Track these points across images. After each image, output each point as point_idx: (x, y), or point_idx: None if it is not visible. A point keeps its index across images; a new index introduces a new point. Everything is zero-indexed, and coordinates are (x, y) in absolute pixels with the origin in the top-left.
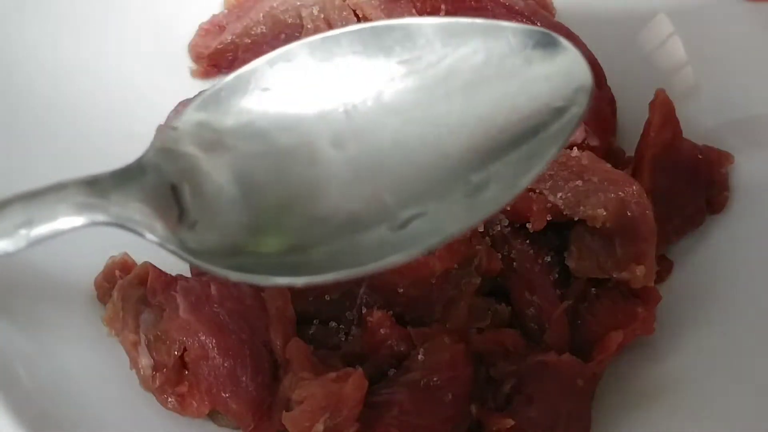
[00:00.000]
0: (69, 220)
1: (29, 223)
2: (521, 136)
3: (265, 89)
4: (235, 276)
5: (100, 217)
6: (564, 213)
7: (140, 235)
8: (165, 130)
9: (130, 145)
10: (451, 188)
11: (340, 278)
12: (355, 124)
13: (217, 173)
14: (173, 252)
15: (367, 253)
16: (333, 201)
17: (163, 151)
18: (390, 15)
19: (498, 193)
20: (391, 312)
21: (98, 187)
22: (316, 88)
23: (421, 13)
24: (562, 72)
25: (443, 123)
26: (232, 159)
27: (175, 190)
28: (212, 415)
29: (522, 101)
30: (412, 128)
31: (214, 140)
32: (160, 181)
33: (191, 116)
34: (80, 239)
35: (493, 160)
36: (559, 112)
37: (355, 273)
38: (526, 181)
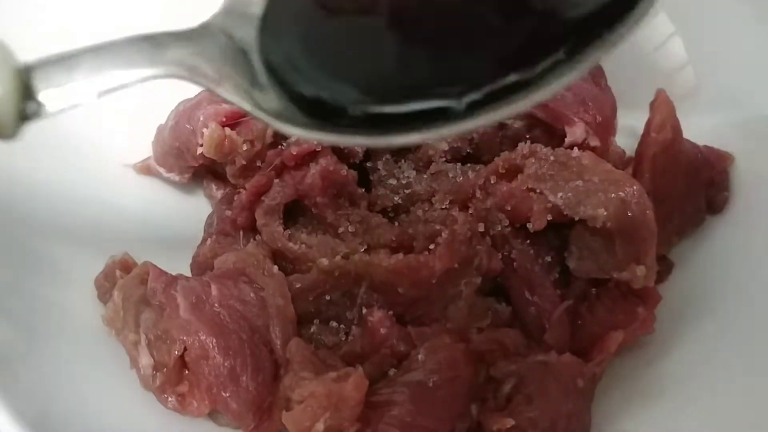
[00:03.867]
0: (142, 72)
1: (103, 74)
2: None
3: None
4: (315, 135)
5: (174, 70)
6: (564, 213)
7: (212, 90)
8: None
9: (130, 144)
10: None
11: (414, 142)
12: None
13: (287, 40)
14: (248, 111)
15: (437, 121)
16: (406, 68)
17: (234, 14)
18: None
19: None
20: (391, 312)
21: (170, 42)
22: None
23: None
24: None
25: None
26: (303, 25)
27: (245, 54)
28: (212, 415)
29: None
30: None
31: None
32: (231, 43)
33: None
34: (81, 238)
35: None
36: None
37: (426, 138)
38: (593, 61)
